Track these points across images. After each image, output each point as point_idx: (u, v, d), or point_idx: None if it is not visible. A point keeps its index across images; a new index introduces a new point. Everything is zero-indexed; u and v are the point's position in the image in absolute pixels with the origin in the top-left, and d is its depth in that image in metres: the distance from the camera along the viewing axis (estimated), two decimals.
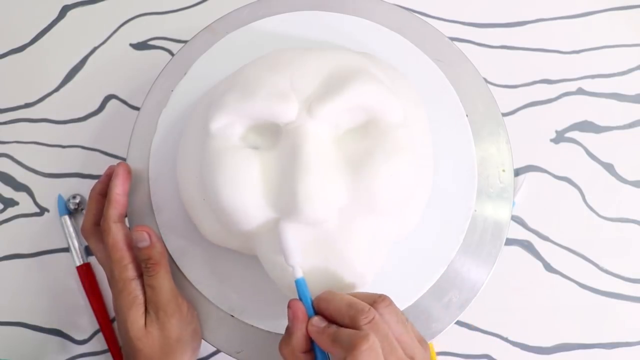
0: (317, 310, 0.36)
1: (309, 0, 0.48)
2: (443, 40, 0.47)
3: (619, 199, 0.54)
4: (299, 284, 0.36)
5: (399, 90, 0.41)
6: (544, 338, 0.52)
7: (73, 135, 0.56)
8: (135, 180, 0.46)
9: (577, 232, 0.53)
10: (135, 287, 0.42)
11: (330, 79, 0.39)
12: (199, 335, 0.43)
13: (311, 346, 0.36)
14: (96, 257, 0.44)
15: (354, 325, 0.34)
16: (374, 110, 0.38)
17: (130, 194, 0.45)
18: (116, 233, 0.42)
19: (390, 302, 0.36)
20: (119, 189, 0.43)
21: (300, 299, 0.36)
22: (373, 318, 0.34)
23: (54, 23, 0.58)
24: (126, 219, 0.44)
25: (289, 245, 0.37)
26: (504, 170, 0.45)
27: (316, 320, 0.35)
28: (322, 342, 0.35)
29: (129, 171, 0.44)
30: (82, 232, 0.45)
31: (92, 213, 0.45)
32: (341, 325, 0.35)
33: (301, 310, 0.36)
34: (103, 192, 0.45)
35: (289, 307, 0.36)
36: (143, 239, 0.41)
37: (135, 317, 0.41)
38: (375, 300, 0.35)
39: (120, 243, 0.42)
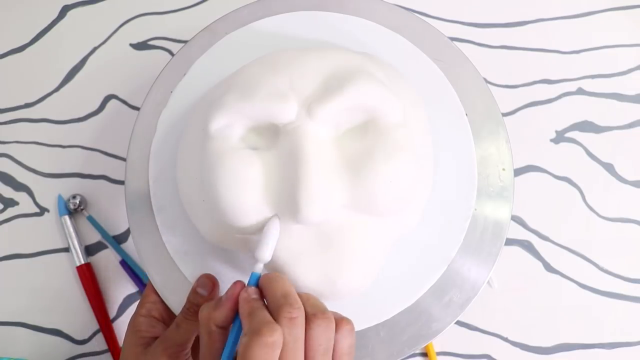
0: (260, 286, 0.36)
1: (309, 0, 0.48)
2: (443, 40, 0.47)
3: (619, 199, 0.54)
4: (253, 276, 0.36)
5: (398, 90, 0.41)
6: (544, 338, 0.52)
7: (73, 135, 0.56)
8: (135, 180, 0.46)
9: (577, 232, 0.53)
10: None
11: (329, 79, 0.38)
12: None
13: (229, 326, 0.35)
14: None
15: (275, 315, 0.33)
16: (374, 110, 0.38)
17: (131, 194, 0.45)
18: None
19: (330, 324, 0.33)
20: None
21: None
22: (295, 318, 0.32)
23: (54, 23, 0.58)
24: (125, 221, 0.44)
25: (270, 241, 0.36)
26: (504, 169, 0.45)
27: (252, 290, 0.35)
28: (242, 309, 0.34)
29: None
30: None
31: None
32: (268, 310, 0.33)
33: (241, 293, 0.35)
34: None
35: (234, 284, 0.36)
36: (205, 286, 0.42)
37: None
38: (316, 314, 0.33)
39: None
